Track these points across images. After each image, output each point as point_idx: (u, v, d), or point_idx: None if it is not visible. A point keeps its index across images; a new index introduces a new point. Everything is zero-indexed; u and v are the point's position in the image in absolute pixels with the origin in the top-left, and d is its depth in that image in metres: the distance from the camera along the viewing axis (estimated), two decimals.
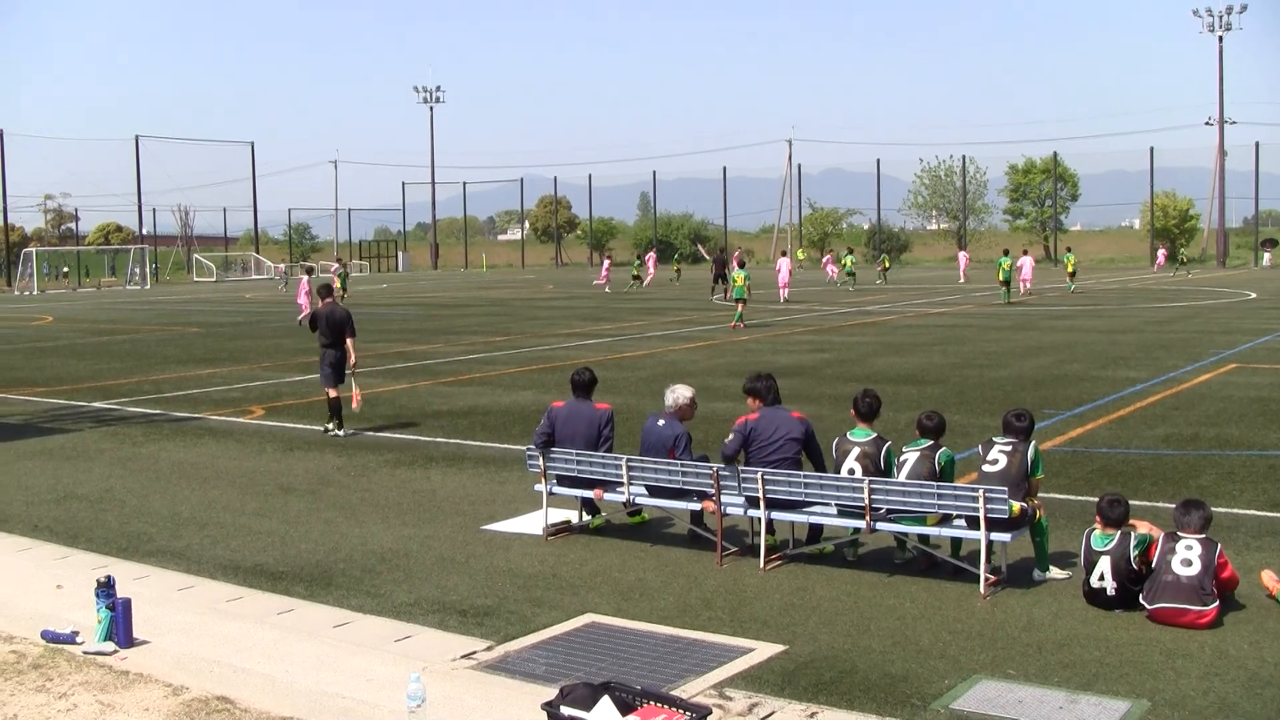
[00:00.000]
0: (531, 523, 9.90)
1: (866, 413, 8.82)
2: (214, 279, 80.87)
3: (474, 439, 14.24)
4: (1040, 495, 8.55)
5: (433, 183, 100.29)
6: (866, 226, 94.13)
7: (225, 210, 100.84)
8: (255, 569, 8.83)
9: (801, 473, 8.61)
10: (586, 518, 9.92)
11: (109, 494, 11.56)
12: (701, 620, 7.47)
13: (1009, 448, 8.35)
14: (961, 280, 53.60)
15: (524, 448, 10.94)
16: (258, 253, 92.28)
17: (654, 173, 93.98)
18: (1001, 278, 39.02)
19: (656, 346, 25.67)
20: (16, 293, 66.10)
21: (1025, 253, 45.71)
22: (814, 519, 8.68)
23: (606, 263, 55.83)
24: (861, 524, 8.31)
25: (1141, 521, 8.06)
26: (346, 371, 14.96)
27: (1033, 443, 8.41)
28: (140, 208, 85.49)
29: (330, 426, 14.73)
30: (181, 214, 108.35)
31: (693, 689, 6.27)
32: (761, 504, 8.59)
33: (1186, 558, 7.31)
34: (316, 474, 12.36)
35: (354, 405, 15.04)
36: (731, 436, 8.86)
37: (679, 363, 22.29)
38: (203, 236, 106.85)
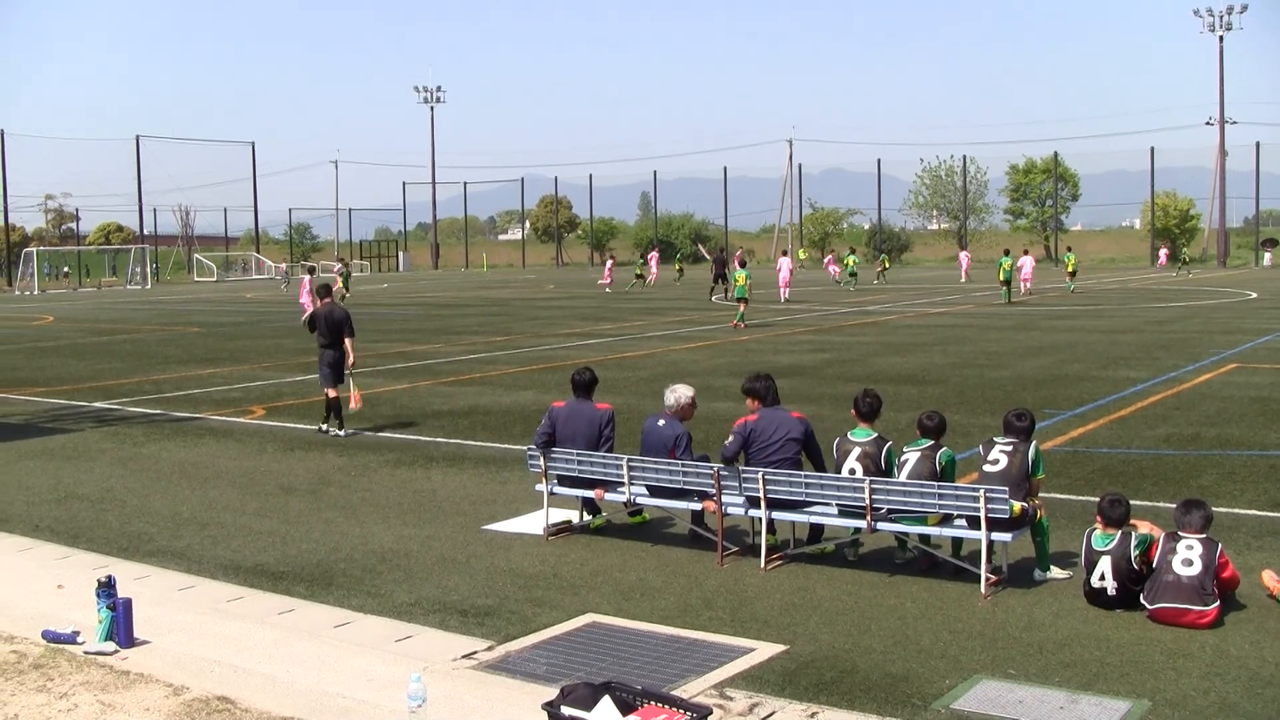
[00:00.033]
0: (532, 523, 9.90)
1: (867, 413, 8.82)
2: (215, 279, 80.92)
3: (475, 439, 14.24)
4: (1041, 495, 8.55)
5: (433, 182, 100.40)
6: (867, 226, 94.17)
7: (226, 210, 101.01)
8: (256, 569, 8.83)
9: (802, 473, 8.61)
10: (587, 518, 9.92)
11: (110, 494, 11.57)
12: (702, 620, 7.47)
13: (1010, 448, 8.35)
14: (963, 280, 53.61)
15: (525, 448, 10.95)
16: (258, 253, 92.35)
17: (655, 172, 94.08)
18: (1002, 278, 39.04)
19: (657, 346, 25.67)
20: (17, 293, 66.14)
21: (1026, 252, 45.73)
22: (815, 519, 8.68)
23: (609, 262, 55.88)
24: (862, 524, 8.31)
25: (1142, 521, 8.06)
26: (345, 372, 14.97)
27: (1033, 443, 8.41)
28: (141, 208, 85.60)
29: (324, 426, 14.75)
30: (182, 214, 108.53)
31: (693, 689, 6.27)
32: (762, 504, 8.59)
33: (1187, 558, 7.31)
34: (317, 474, 12.36)
35: (352, 405, 15.04)
36: (731, 438, 8.85)
37: (680, 362, 22.29)
38: (203, 236, 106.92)
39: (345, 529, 9.99)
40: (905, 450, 8.67)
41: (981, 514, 7.77)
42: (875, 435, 8.72)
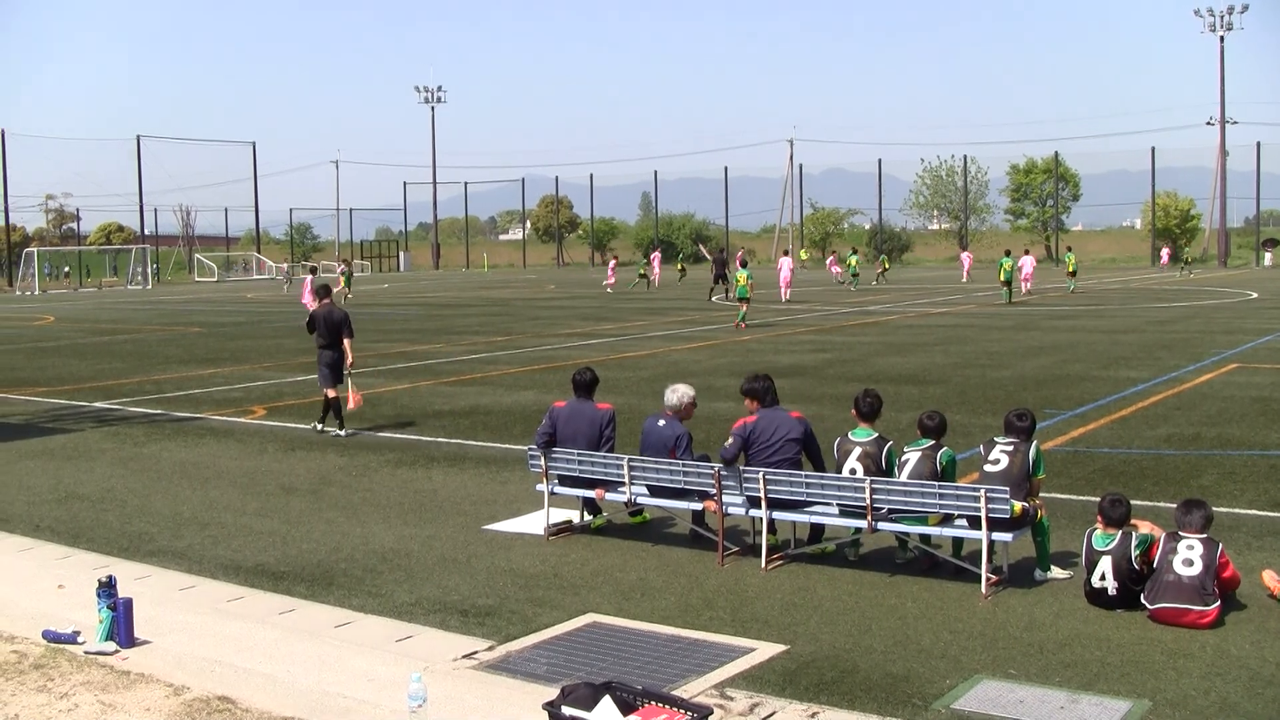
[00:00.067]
0: (533, 523, 9.90)
1: (868, 413, 8.82)
2: (215, 279, 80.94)
3: (475, 439, 14.24)
4: (1042, 495, 8.55)
5: (434, 182, 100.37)
6: (868, 226, 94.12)
7: (227, 210, 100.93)
8: (257, 569, 8.83)
9: (803, 472, 8.62)
10: (588, 518, 9.92)
11: (110, 494, 11.57)
12: (703, 620, 7.47)
13: (1010, 447, 8.35)
14: (965, 280, 53.60)
15: (525, 448, 10.94)
16: (259, 253, 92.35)
17: (655, 172, 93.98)
18: (1003, 278, 39.05)
19: (658, 346, 25.67)
20: (18, 293, 66.16)
21: (1027, 252, 45.72)
22: (815, 519, 8.68)
23: (613, 262, 56.00)
24: (863, 524, 8.31)
25: (1143, 521, 8.06)
26: (344, 372, 14.97)
27: (1034, 443, 8.41)
28: (142, 208, 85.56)
29: (320, 425, 14.76)
30: (183, 214, 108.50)
31: (694, 689, 6.27)
32: (763, 504, 8.59)
33: (1188, 557, 7.30)
34: (318, 474, 12.36)
35: (350, 406, 15.01)
36: (731, 440, 8.84)
37: (681, 362, 22.29)
38: (204, 236, 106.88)
39: (346, 529, 9.99)
40: (906, 450, 8.66)
41: (982, 514, 7.77)
42: (876, 435, 8.72)
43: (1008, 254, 40.96)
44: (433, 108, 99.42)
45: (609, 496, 9.38)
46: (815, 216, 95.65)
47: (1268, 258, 72.63)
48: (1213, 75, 76.86)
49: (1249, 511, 9.95)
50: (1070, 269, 45.33)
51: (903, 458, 8.61)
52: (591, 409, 9.65)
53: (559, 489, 9.61)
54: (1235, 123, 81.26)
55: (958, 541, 8.53)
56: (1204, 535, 7.43)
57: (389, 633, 7.33)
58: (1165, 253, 68.41)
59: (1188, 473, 11.49)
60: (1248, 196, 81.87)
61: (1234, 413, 15.03)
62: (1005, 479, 8.12)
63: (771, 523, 8.78)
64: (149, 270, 74.53)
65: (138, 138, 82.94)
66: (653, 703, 5.55)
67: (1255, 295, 40.26)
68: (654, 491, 9.24)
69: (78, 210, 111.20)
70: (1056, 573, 8.22)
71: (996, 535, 7.89)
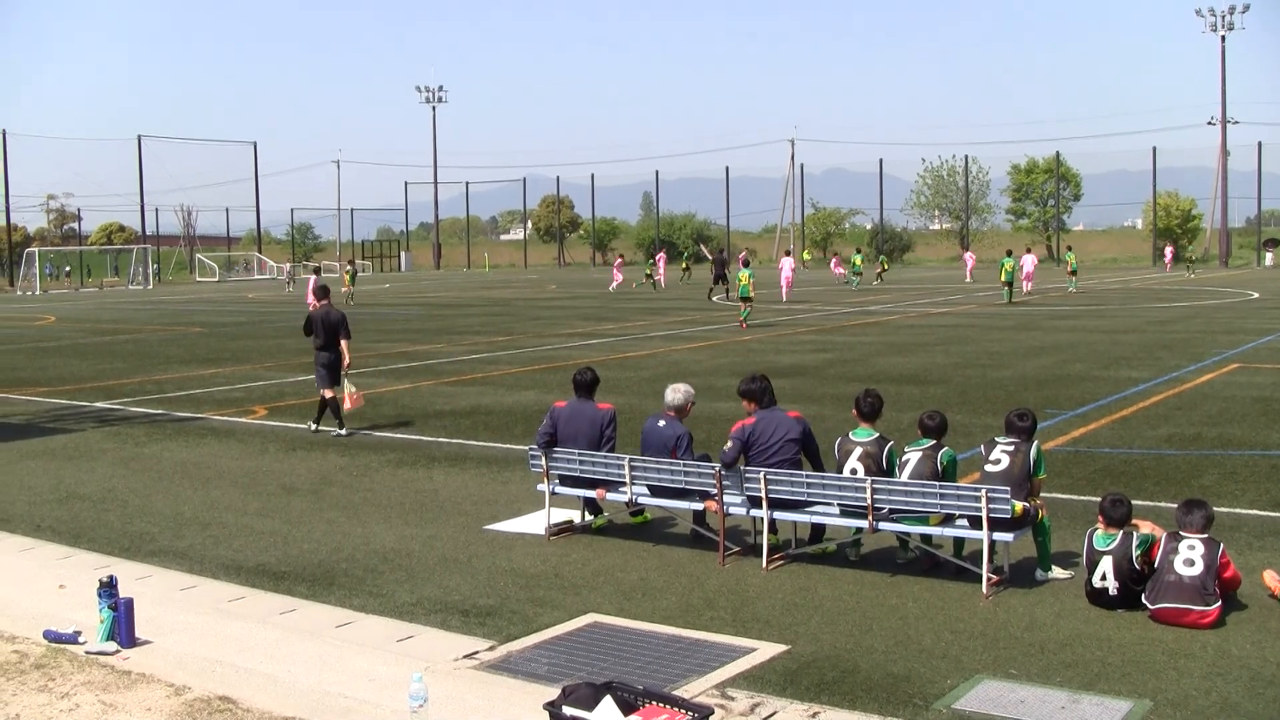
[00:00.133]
0: (534, 523, 9.90)
1: (869, 412, 8.82)
2: (216, 279, 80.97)
3: (476, 439, 14.24)
4: (1042, 495, 8.55)
5: (435, 182, 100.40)
6: (869, 226, 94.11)
7: (228, 210, 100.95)
8: (257, 569, 8.83)
9: (804, 472, 8.61)
10: (589, 518, 9.92)
11: (111, 494, 11.57)
12: (704, 620, 7.47)
13: (1011, 447, 8.35)
14: (968, 280, 53.59)
15: (526, 448, 10.95)
16: (260, 253, 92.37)
17: (656, 172, 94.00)
18: (1004, 278, 39.05)
19: (659, 346, 25.67)
20: (19, 293, 66.18)
21: (1028, 251, 45.69)
22: (816, 519, 8.67)
23: (619, 261, 56.11)
24: (864, 524, 8.31)
25: (1144, 521, 8.06)
26: (342, 374, 14.97)
27: (1035, 443, 8.40)
28: (143, 208, 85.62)
29: (315, 425, 14.77)
30: (184, 214, 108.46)
31: (695, 689, 6.27)
32: (764, 504, 8.59)
33: (1189, 558, 7.30)
34: (319, 474, 12.37)
35: (347, 406, 14.98)
36: (730, 444, 8.81)
37: (682, 362, 22.29)
38: (205, 236, 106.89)
39: (347, 529, 9.99)
40: (907, 450, 8.66)
41: (983, 514, 7.77)
42: (877, 435, 8.72)
43: (1009, 254, 40.96)
44: (434, 107, 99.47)
45: (610, 496, 9.38)
46: (816, 217, 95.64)
47: (1269, 258, 72.57)
48: (1214, 75, 77.04)
49: (1250, 511, 9.94)
50: (1071, 268, 45.31)
51: (903, 458, 8.61)
52: (592, 409, 9.65)
53: (560, 489, 9.61)
54: (1236, 122, 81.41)
55: (959, 541, 8.53)
56: (1205, 535, 7.43)
57: (390, 633, 7.33)
58: (1169, 252, 68.38)
59: (1189, 473, 11.49)
60: (1249, 196, 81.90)
61: (1235, 413, 15.03)
62: (1006, 479, 8.12)
63: (772, 523, 8.78)
64: (150, 270, 74.56)
65: (138, 138, 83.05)
66: (654, 703, 5.55)
67: (1256, 295, 40.24)
68: (655, 491, 9.24)
69: (79, 210, 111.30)
70: (1057, 573, 8.22)
71: (997, 535, 7.89)
